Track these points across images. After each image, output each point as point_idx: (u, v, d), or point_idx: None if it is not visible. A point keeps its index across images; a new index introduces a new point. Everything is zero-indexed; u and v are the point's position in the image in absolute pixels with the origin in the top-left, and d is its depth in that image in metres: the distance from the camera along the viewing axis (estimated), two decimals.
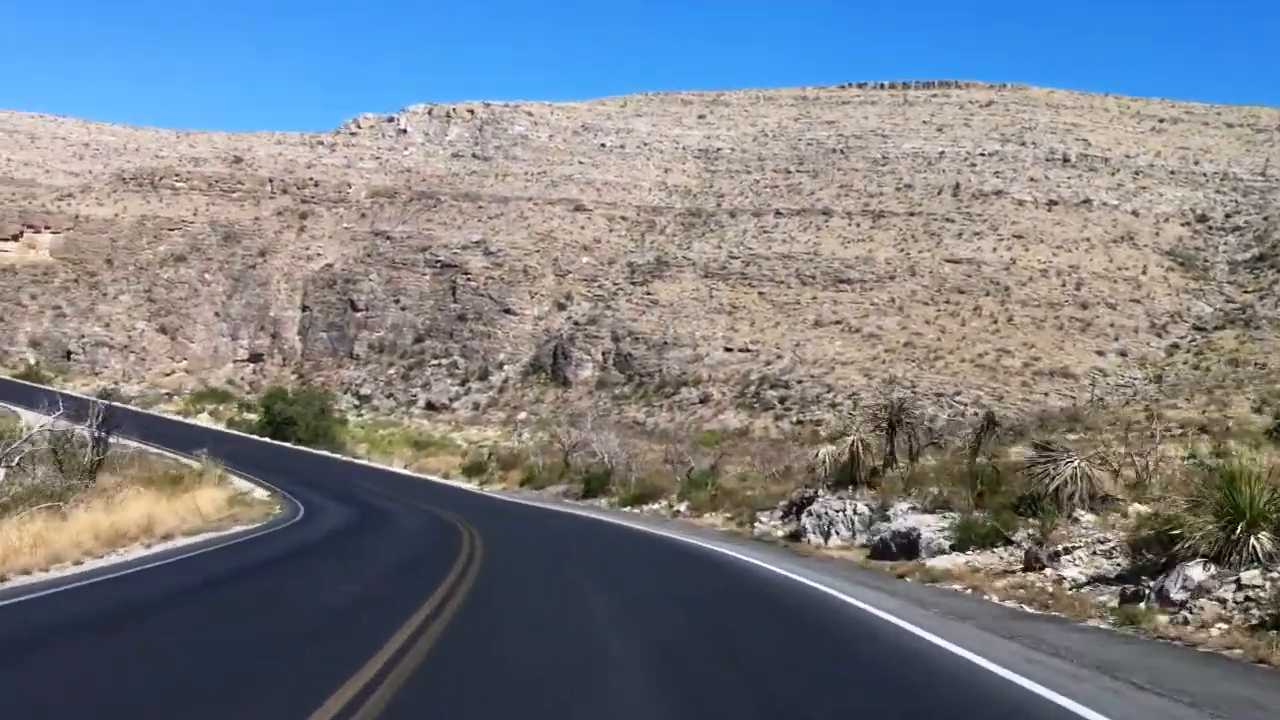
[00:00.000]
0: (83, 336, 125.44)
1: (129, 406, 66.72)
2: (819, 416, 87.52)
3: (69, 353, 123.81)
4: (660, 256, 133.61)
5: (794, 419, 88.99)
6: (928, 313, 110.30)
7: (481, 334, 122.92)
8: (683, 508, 44.49)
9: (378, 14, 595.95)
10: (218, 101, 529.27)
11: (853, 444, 33.17)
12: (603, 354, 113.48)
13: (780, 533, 33.47)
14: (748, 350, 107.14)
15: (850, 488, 32.16)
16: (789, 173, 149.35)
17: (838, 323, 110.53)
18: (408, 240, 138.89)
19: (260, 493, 41.06)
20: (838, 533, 29.79)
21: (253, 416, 68.71)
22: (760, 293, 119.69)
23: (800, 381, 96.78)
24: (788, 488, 38.38)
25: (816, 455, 35.52)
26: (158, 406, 67.74)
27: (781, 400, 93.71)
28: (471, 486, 57.78)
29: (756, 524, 35.81)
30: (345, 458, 59.30)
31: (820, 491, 32.53)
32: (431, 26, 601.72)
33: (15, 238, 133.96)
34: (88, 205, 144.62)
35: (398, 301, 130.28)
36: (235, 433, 54.96)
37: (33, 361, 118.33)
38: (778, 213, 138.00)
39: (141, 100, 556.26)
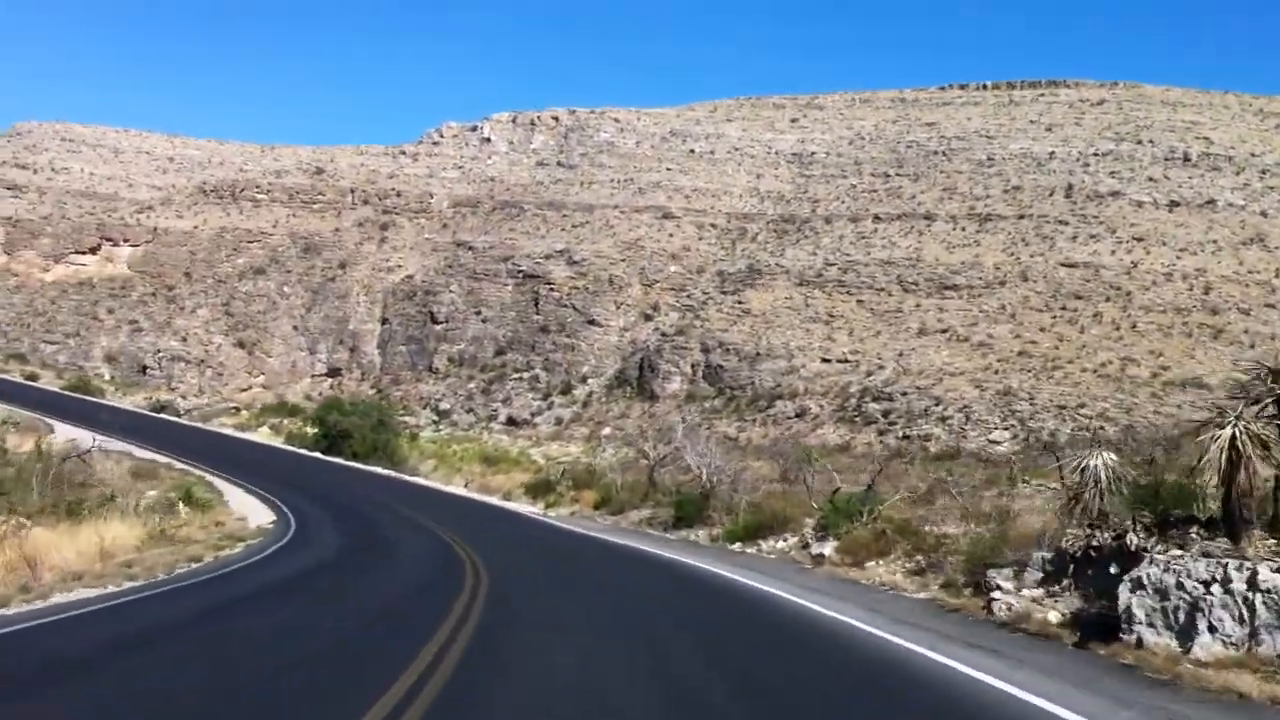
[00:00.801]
0: (159, 351, 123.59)
1: (181, 420, 63.59)
2: (927, 431, 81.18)
3: (144, 367, 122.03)
4: (752, 264, 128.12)
5: (899, 433, 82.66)
6: (1042, 320, 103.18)
7: (565, 346, 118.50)
8: (827, 549, 30.20)
9: (461, 23, 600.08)
10: (302, 117, 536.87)
11: (1233, 444, 16.34)
12: (692, 366, 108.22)
13: (1052, 614, 18.23)
14: (846, 361, 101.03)
15: (1193, 531, 17.52)
16: (888, 176, 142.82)
17: (944, 331, 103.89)
18: (490, 250, 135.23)
19: (254, 521, 34.52)
20: (1214, 627, 14.84)
21: (315, 431, 65.22)
22: (859, 300, 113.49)
23: (905, 393, 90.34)
24: (1017, 529, 23.70)
25: (1088, 468, 19.07)
26: (216, 421, 64.03)
27: (885, 414, 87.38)
28: (534, 510, 49.43)
29: (994, 592, 19.84)
30: (401, 475, 52.07)
31: (1149, 542, 17.46)
32: (516, 34, 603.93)
33: (93, 250, 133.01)
34: (167, 218, 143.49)
35: (479, 313, 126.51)
36: (288, 448, 51.00)
37: (107, 376, 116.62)
38: (876, 217, 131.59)
39: (226, 116, 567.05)
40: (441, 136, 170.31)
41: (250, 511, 36.49)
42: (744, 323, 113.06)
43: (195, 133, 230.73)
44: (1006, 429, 79.30)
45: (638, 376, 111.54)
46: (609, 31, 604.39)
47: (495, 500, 48.19)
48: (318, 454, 53.39)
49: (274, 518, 35.97)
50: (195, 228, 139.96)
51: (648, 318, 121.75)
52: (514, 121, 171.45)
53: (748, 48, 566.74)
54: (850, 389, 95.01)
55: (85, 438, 43.08)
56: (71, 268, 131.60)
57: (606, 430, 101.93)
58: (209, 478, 40.63)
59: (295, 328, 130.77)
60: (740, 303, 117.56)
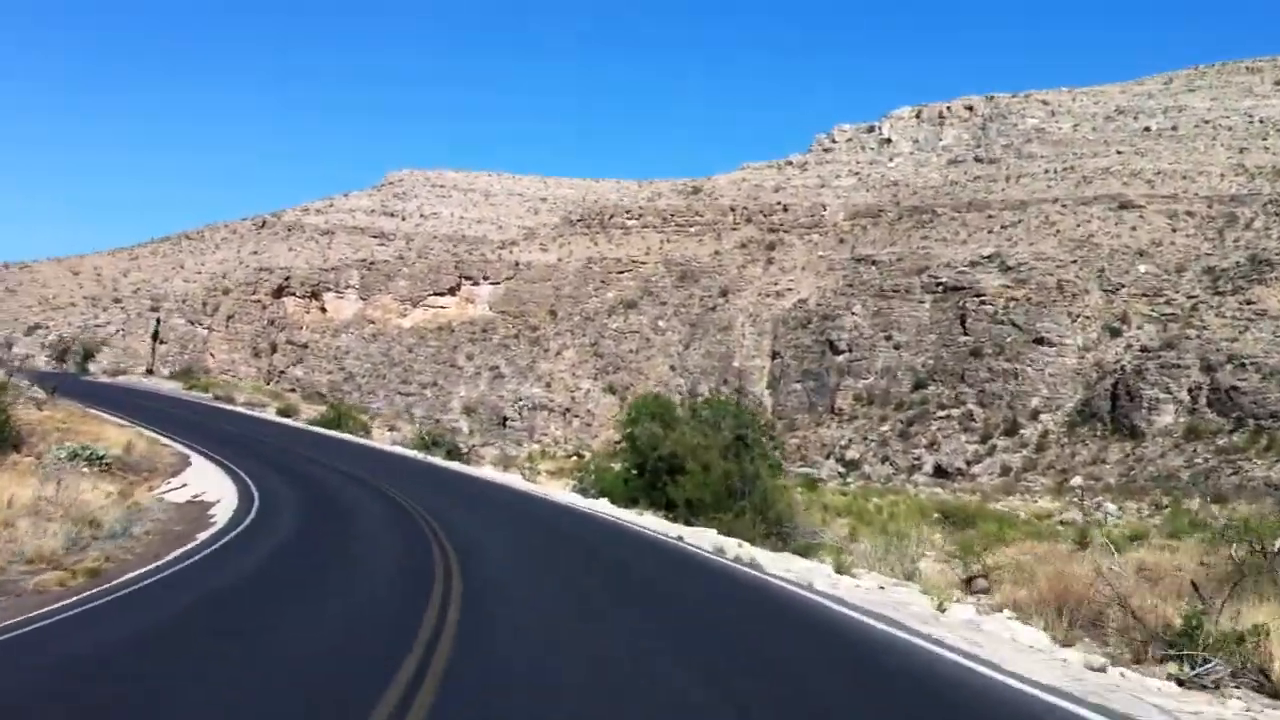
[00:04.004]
0: (519, 399, 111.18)
1: (447, 464, 48.28)
2: None
3: (505, 419, 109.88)
4: (1255, 255, 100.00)
5: None
6: None
7: (1004, 373, 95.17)
8: None
9: (845, 22, 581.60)
10: (680, 149, 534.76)
11: None
12: (1189, 390, 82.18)
13: None
14: None
15: None
16: None
17: None
18: (898, 263, 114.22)
19: None
20: None
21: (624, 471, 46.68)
22: None
23: None
24: None
25: None
26: (509, 472, 47.48)
27: None
28: None
29: None
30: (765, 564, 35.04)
31: None
32: (910, 23, 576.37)
33: (452, 291, 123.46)
34: (530, 251, 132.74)
35: (889, 338, 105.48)
36: (593, 510, 34.78)
37: (465, 430, 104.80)
38: None
39: (601, 156, 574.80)
40: (834, 142, 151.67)
41: None
42: (1260, 327, 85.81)
43: (569, 174, 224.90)
44: None
45: (1110, 408, 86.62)
46: (1020, 7, 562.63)
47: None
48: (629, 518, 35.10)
49: None
50: (560, 260, 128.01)
51: (1114, 332, 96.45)
52: (918, 117, 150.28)
53: (1197, 12, 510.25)
54: None
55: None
56: (429, 311, 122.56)
57: (1076, 480, 77.93)
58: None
59: (673, 367, 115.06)
60: (1249, 303, 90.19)
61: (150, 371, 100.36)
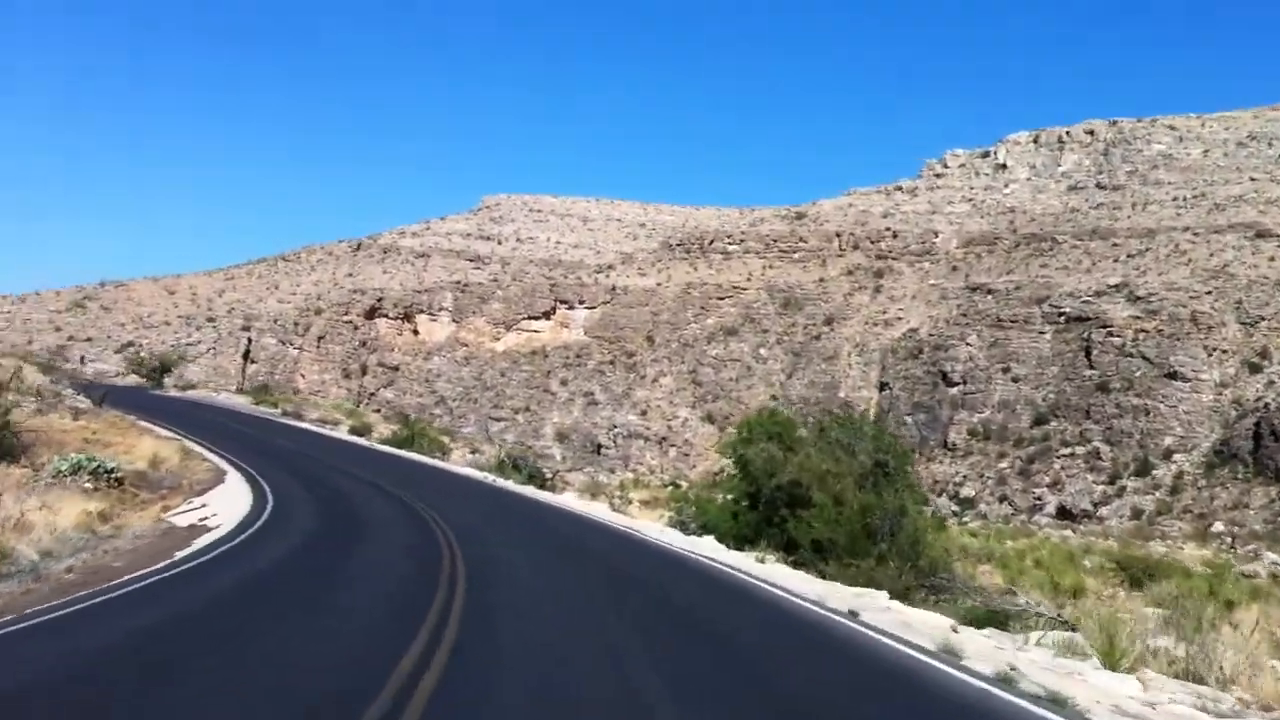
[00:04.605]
0: (614, 427, 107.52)
1: (520, 489, 43.82)
2: None
3: (599, 446, 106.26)
4: None
5: None
6: None
7: (1134, 409, 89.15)
8: None
9: (953, 45, 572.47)
10: (783, 176, 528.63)
11: None
12: None
13: None
14: None
15: None
16: None
17: None
18: (1016, 292, 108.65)
19: None
20: None
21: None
22: None
23: None
24: None
25: None
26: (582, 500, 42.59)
27: None
28: None
29: None
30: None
31: None
32: (1024, 45, 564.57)
33: (547, 315, 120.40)
34: (628, 276, 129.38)
35: (1006, 370, 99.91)
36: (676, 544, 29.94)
37: (558, 457, 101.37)
38: None
39: (703, 183, 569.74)
40: (945, 167, 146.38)
41: None
42: None
43: (669, 200, 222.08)
44: None
45: (1253, 449, 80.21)
46: (1142, 31, 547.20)
47: None
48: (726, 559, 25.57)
49: None
50: (658, 284, 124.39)
51: (1254, 368, 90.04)
52: (1036, 142, 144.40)
53: None
54: None
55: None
56: (523, 335, 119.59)
57: (1218, 526, 71.87)
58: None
59: (774, 397, 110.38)
60: None
61: (241, 390, 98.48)
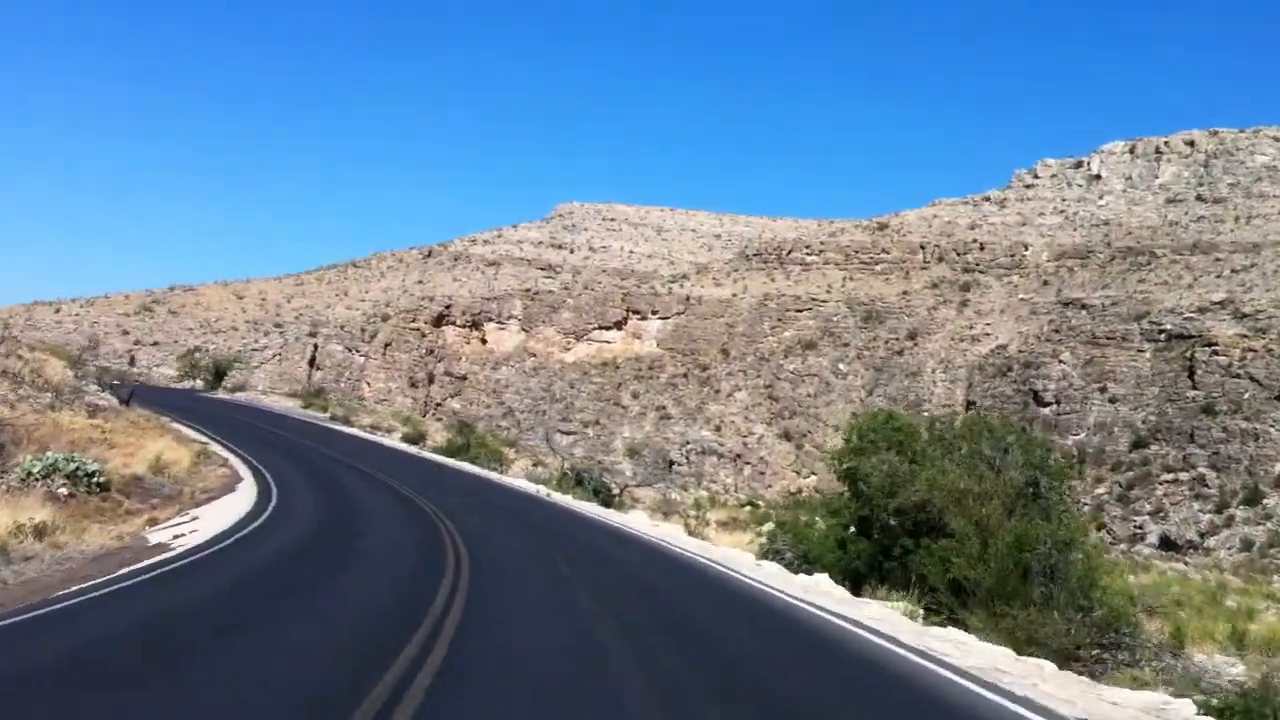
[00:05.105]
0: (687, 443, 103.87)
1: (578, 506, 39.47)
2: None
3: (671, 462, 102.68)
4: None
5: None
6: None
7: (1242, 434, 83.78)
8: None
9: (1046, 56, 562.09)
10: (865, 188, 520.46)
11: None
12: None
13: None
14: None
15: None
16: None
17: None
18: (1113, 308, 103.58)
19: None
20: None
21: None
22: None
23: None
24: None
25: None
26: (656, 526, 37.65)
27: None
28: None
29: None
30: None
31: None
32: (1123, 55, 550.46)
33: (618, 325, 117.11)
34: (703, 286, 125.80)
35: (1103, 390, 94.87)
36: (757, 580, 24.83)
37: (628, 472, 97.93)
38: None
39: (782, 194, 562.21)
40: (1036, 178, 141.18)
41: None
42: None
43: (745, 211, 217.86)
44: None
45: None
46: (1244, 35, 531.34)
47: None
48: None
49: None
50: (734, 295, 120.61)
51: None
52: (1131, 152, 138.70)
53: None
54: None
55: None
56: (593, 345, 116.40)
57: None
58: None
59: (855, 414, 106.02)
60: None
61: (295, 396, 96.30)
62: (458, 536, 23.95)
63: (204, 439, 40.89)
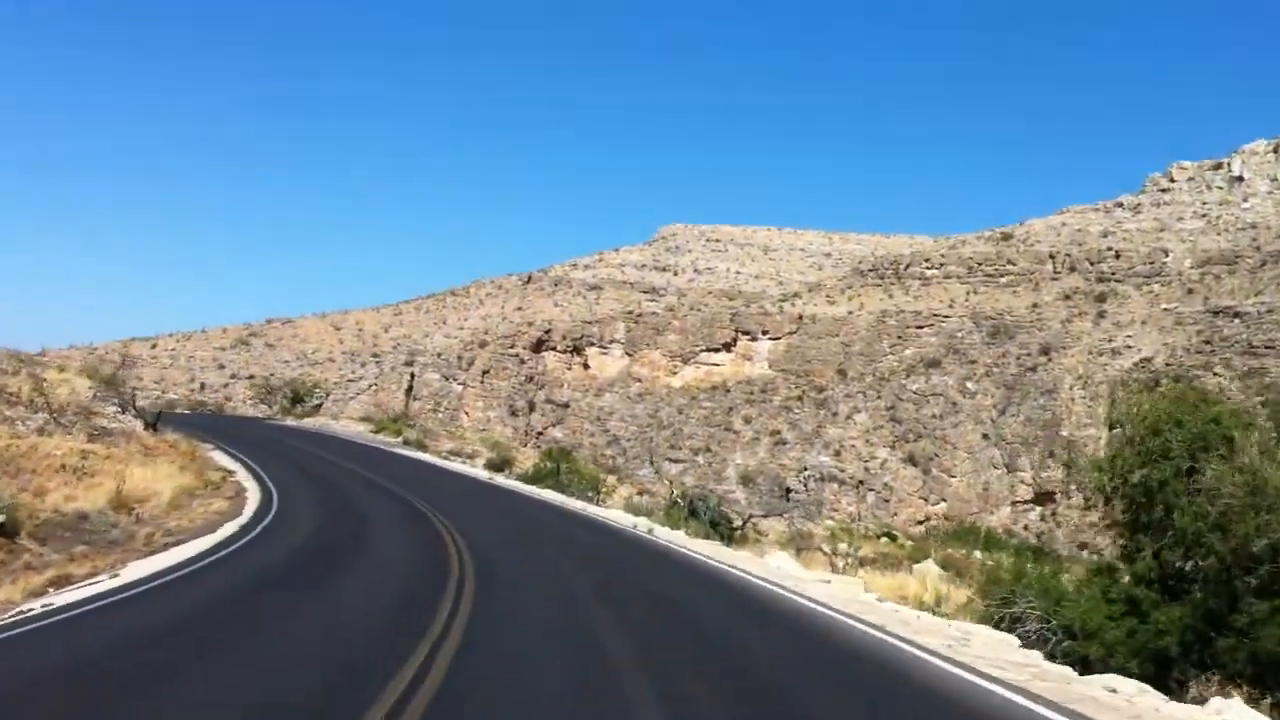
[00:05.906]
0: (804, 469, 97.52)
1: (689, 546, 31.35)
2: None
3: (788, 490, 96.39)
4: None
5: None
6: None
7: None
8: None
9: (1171, 58, 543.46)
10: (982, 200, 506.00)
11: None
12: None
13: None
14: None
15: None
16: None
17: None
18: (1268, 316, 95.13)
19: None
20: None
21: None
22: None
23: None
24: None
25: None
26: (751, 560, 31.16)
27: None
28: None
29: None
30: None
31: None
32: (1248, 55, 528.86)
33: (727, 347, 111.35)
34: (816, 304, 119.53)
35: (1265, 405, 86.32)
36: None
37: (743, 501, 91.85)
38: None
39: (895, 210, 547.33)
40: (1171, 181, 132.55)
41: None
42: None
43: (857, 228, 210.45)
44: None
45: None
46: None
47: None
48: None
49: None
50: (849, 313, 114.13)
51: None
52: (1276, 151, 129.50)
53: None
54: None
55: None
56: (701, 369, 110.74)
57: None
58: None
59: (985, 436, 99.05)
60: None
61: (368, 420, 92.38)
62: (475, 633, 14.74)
63: (233, 466, 36.23)
